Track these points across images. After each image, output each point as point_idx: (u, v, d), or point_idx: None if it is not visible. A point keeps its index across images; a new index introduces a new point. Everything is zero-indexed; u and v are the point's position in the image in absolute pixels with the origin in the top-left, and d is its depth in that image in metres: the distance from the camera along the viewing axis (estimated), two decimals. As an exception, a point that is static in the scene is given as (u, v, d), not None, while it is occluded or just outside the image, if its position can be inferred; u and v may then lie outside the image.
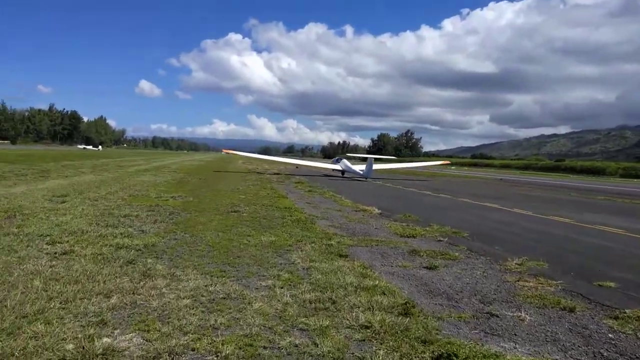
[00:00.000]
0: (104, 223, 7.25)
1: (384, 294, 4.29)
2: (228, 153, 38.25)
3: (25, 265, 4.64)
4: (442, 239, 7.55)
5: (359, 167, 27.75)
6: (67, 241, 5.83)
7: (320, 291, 4.28)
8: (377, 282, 4.70)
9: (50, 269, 4.55)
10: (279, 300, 3.99)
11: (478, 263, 5.99)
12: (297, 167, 35.24)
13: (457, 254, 6.39)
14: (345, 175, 27.64)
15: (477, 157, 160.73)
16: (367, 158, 29.38)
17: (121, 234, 6.47)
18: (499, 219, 10.78)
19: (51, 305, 3.57)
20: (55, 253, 5.25)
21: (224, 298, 4.01)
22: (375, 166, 28.04)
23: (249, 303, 3.89)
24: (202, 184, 16.80)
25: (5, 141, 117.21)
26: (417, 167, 44.03)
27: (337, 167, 29.13)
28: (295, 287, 4.40)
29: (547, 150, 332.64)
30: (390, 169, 35.14)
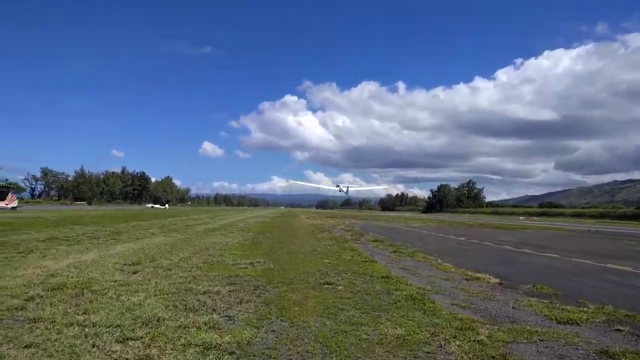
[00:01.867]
0: (182, 305, 5.96)
1: None
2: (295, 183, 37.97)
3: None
4: (620, 327, 5.57)
5: None
6: (141, 337, 4.53)
7: None
8: None
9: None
10: None
11: None
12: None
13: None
14: None
15: (545, 205, 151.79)
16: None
17: (205, 323, 5.11)
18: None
19: None
20: (127, 360, 3.94)
21: None
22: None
23: None
24: (275, 244, 15.54)
25: (83, 202, 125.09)
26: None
27: None
28: None
29: (623, 196, 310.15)
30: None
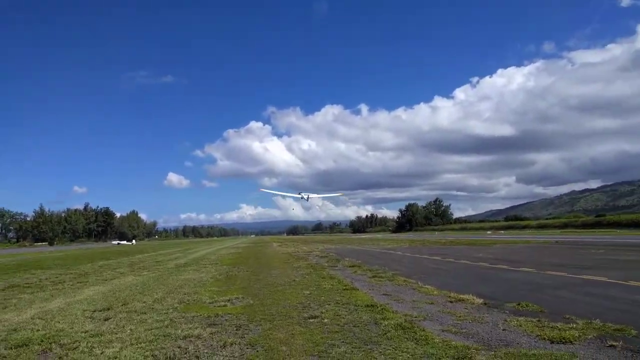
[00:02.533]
0: (162, 354, 5.57)
1: None
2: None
3: None
4: (613, 342, 5.54)
5: None
6: (121, 396, 4.16)
7: None
8: None
9: None
10: None
11: None
12: None
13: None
14: None
15: (511, 219, 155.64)
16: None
17: (190, 374, 4.77)
18: None
19: None
20: None
21: None
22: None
23: None
24: (251, 277, 15.10)
25: (44, 243, 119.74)
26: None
27: None
28: None
29: (582, 206, 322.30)
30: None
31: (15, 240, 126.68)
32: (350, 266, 18.27)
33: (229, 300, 9.93)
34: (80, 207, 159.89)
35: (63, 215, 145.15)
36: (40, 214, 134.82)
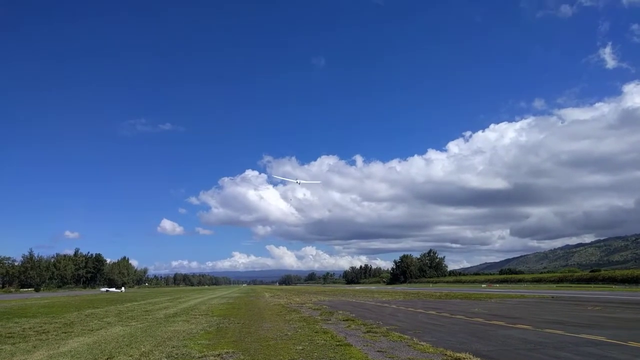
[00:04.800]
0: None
1: None
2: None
3: None
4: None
5: None
6: None
7: None
8: None
9: None
10: None
11: None
12: None
13: None
14: None
15: (505, 272, 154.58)
16: None
17: None
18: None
19: None
20: None
21: None
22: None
23: None
24: (242, 330, 14.71)
25: (30, 289, 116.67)
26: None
27: None
28: None
29: (576, 260, 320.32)
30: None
31: (0, 285, 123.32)
32: (344, 320, 17.87)
33: (219, 354, 9.64)
34: (71, 252, 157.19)
35: (52, 260, 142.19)
36: (29, 259, 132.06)
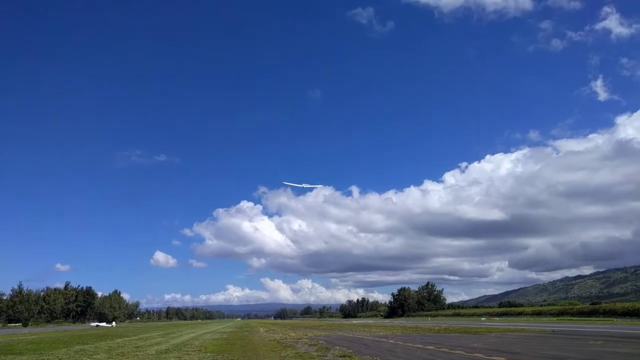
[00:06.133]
0: None
1: None
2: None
3: None
4: None
5: None
6: None
7: None
8: None
9: None
10: None
11: None
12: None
13: None
14: None
15: (505, 305, 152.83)
16: None
17: None
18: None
19: None
20: None
21: None
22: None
23: None
24: (236, 367, 14.29)
25: (17, 324, 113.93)
26: None
27: None
28: None
29: (576, 292, 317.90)
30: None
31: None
32: (340, 356, 17.46)
33: (211, 394, 9.29)
34: (61, 285, 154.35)
35: (42, 294, 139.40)
36: (18, 293, 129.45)
